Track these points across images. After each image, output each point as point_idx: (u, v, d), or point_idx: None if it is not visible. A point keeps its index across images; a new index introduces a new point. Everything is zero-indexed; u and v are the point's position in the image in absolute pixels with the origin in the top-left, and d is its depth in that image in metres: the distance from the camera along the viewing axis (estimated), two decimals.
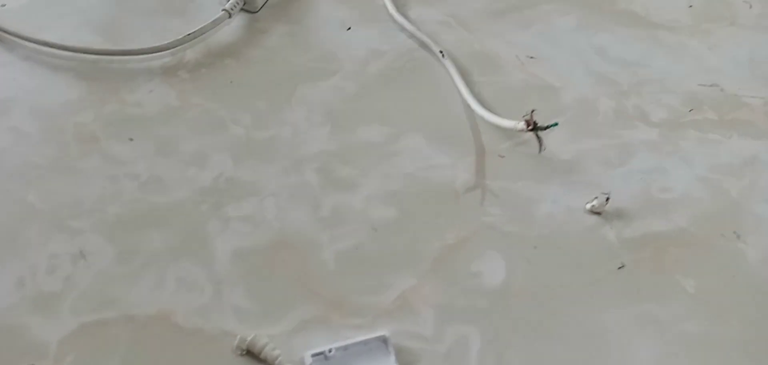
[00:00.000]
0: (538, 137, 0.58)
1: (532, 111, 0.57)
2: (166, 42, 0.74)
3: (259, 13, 0.80)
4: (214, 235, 0.58)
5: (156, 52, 0.74)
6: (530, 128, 0.57)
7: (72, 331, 0.52)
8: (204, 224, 0.59)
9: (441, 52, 0.74)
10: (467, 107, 0.69)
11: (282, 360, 0.50)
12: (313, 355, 0.50)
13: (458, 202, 0.62)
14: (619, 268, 0.57)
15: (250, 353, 0.51)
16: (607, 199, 0.60)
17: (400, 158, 0.65)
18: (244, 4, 0.79)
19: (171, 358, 0.51)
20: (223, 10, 0.77)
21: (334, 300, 0.54)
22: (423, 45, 0.76)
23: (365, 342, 0.51)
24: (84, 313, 0.53)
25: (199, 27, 0.75)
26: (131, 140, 0.66)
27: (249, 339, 0.51)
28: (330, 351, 0.51)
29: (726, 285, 0.56)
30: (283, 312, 0.54)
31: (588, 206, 0.61)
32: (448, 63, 0.73)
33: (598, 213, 0.60)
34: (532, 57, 0.75)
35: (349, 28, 0.78)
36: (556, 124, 0.57)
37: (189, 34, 0.74)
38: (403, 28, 0.78)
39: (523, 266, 0.57)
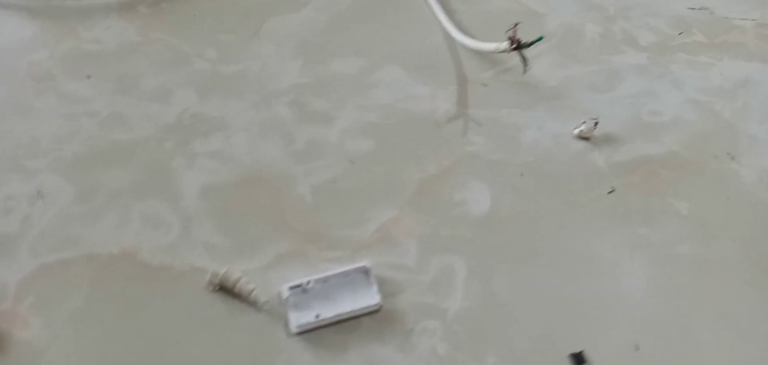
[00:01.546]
0: (523, 56, 0.57)
1: (516, 25, 0.56)
2: None
3: None
4: (180, 171, 0.57)
5: None
6: (514, 46, 0.56)
7: (31, 272, 0.51)
8: (169, 161, 0.57)
9: None
10: (447, 35, 0.68)
11: (257, 294, 0.49)
12: (291, 287, 0.49)
13: (440, 132, 0.61)
14: (609, 192, 0.56)
15: (223, 288, 0.50)
16: (596, 123, 0.59)
17: (377, 90, 0.64)
18: None
19: (138, 295, 0.49)
20: None
21: (311, 233, 0.53)
22: None
23: (345, 273, 0.50)
24: (43, 253, 0.52)
25: None
26: (89, 77, 0.64)
27: (221, 273, 0.49)
28: (308, 283, 0.50)
29: (720, 206, 0.56)
30: (258, 247, 0.52)
31: (576, 131, 0.60)
32: None
33: (587, 138, 0.60)
34: None
35: None
36: (541, 38, 0.55)
37: None
38: None
39: (509, 194, 0.56)
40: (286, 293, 0.49)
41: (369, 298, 0.49)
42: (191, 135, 0.60)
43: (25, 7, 0.71)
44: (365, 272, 0.50)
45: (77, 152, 0.58)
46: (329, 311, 0.49)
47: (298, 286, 0.49)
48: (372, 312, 0.49)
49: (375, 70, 0.66)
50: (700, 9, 0.72)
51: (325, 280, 0.50)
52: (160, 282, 0.50)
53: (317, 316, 0.48)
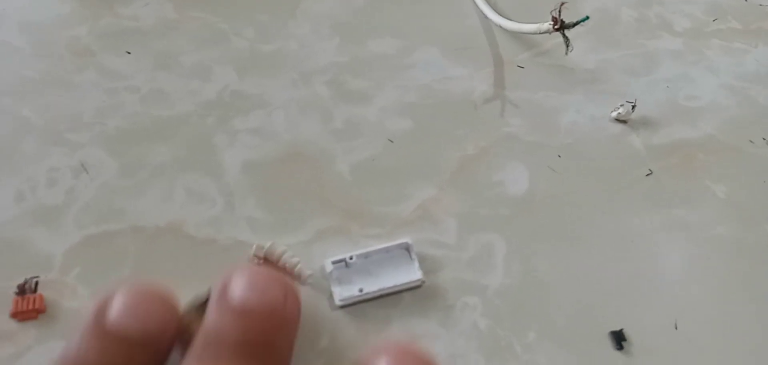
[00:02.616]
0: (566, 37, 0.58)
1: (562, 3, 0.56)
2: None
3: None
4: (222, 148, 0.58)
5: None
6: (557, 26, 0.57)
7: (77, 243, 0.52)
8: (211, 137, 0.59)
9: None
10: (483, 17, 0.69)
11: (301, 267, 0.50)
12: (334, 262, 0.51)
13: (477, 113, 0.62)
14: (647, 175, 0.57)
15: (267, 262, 0.51)
16: (633, 107, 0.60)
17: (414, 71, 0.65)
18: None
19: (184, 267, 0.51)
20: None
21: (352, 210, 0.55)
22: None
23: (387, 249, 0.51)
24: (89, 225, 0.53)
25: None
26: (129, 53, 0.65)
27: (266, 247, 0.51)
28: (351, 258, 0.51)
29: (757, 190, 0.57)
30: (299, 223, 0.54)
31: (613, 114, 0.61)
32: None
33: (624, 121, 0.61)
34: None
35: None
36: (586, 18, 0.56)
37: None
38: None
39: (546, 175, 0.57)
40: (329, 267, 0.50)
41: (411, 274, 0.50)
42: (232, 112, 0.61)
43: None
44: (407, 248, 0.52)
45: (119, 126, 0.59)
46: (372, 285, 0.50)
47: (341, 261, 0.51)
48: (414, 288, 0.50)
49: (412, 52, 0.67)
50: None
51: (366, 256, 0.51)
52: (205, 256, 0.51)
53: (361, 290, 0.50)
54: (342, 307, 0.49)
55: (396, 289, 0.50)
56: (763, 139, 0.60)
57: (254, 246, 0.51)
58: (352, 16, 0.70)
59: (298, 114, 0.61)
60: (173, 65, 0.64)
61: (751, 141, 0.60)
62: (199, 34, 0.67)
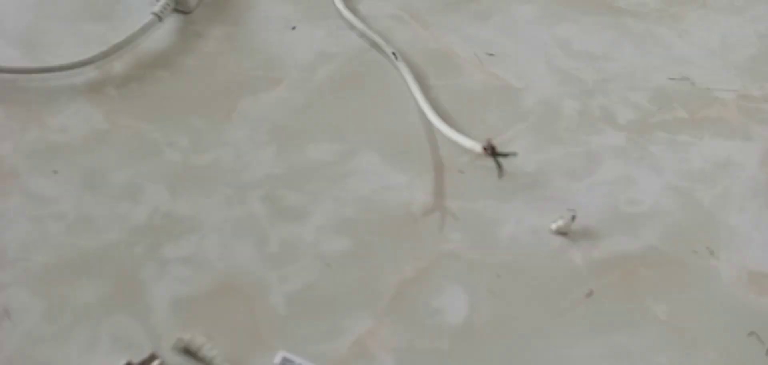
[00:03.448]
0: (498, 163, 0.57)
1: (488, 139, 0.56)
2: (90, 55, 0.70)
3: (193, 13, 0.77)
4: (150, 282, 0.56)
5: (80, 66, 0.71)
6: (489, 153, 0.56)
7: None
8: (138, 270, 0.57)
9: (393, 53, 0.72)
10: (424, 116, 0.68)
11: (219, 360, 0.51)
12: (284, 359, 0.51)
13: (416, 227, 0.61)
14: (587, 295, 0.57)
15: (188, 351, 0.52)
16: (573, 217, 0.59)
17: (353, 180, 0.64)
18: (177, 4, 0.76)
19: None
20: (153, 13, 0.73)
21: (286, 350, 0.53)
22: (375, 45, 0.74)
23: None
24: None
25: (127, 35, 0.72)
26: (55, 172, 0.63)
27: (186, 338, 0.51)
28: None
29: (699, 310, 0.56)
30: None
31: (553, 226, 0.60)
32: (401, 66, 0.71)
33: (564, 234, 0.60)
34: (491, 54, 0.74)
35: (294, 28, 0.76)
36: (515, 154, 0.56)
37: (115, 45, 0.71)
38: (352, 26, 0.76)
39: (486, 299, 0.56)
40: (278, 360, 0.51)
41: None
42: (162, 238, 0.59)
43: None
44: None
45: (45, 262, 0.57)
46: None
47: (292, 363, 0.51)
48: None
49: (351, 157, 0.65)
50: (681, 79, 0.72)
51: None
52: None
53: None
54: None
55: None
56: (707, 248, 0.59)
57: (175, 339, 0.51)
58: (290, 117, 0.68)
59: (232, 237, 0.60)
60: (102, 185, 0.62)
61: (694, 251, 0.59)
62: (130, 146, 0.65)
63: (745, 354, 0.53)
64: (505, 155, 0.55)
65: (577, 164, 0.65)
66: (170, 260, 0.58)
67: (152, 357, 0.52)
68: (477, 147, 0.57)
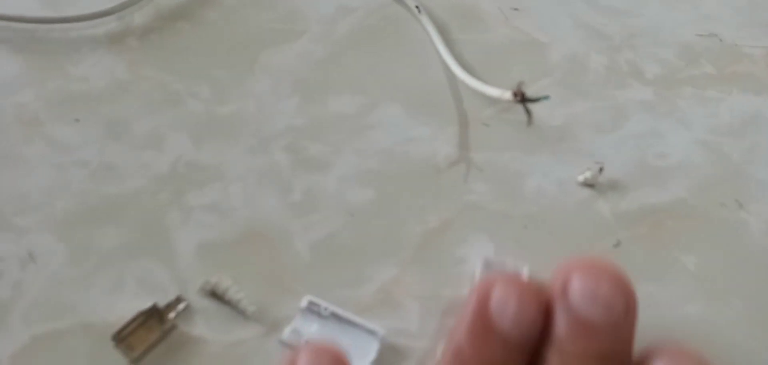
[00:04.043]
0: (527, 110, 0.57)
1: (520, 83, 0.55)
2: (110, 5, 0.70)
3: None
4: (175, 228, 0.57)
5: (100, 16, 0.71)
6: (519, 99, 0.55)
7: (24, 344, 0.51)
8: (163, 217, 0.57)
9: (417, 6, 0.72)
10: (447, 69, 0.68)
11: (245, 303, 0.52)
12: (311, 302, 0.51)
13: (440, 179, 0.61)
14: (615, 246, 0.57)
15: (214, 294, 0.52)
16: (601, 169, 0.59)
17: (375, 132, 0.64)
18: None
19: None
20: None
21: (311, 295, 0.53)
22: None
23: (357, 326, 0.51)
24: (37, 323, 0.52)
25: None
26: (77, 120, 0.63)
27: (213, 281, 0.52)
28: (326, 309, 0.51)
29: (728, 261, 0.56)
30: (256, 313, 0.52)
31: (580, 178, 0.60)
32: (424, 19, 0.71)
33: (591, 186, 0.60)
34: (516, 9, 0.73)
35: None
36: (547, 97, 0.55)
37: None
38: None
39: (512, 250, 0.56)
40: (305, 302, 0.52)
41: (357, 362, 0.49)
42: (186, 186, 0.59)
43: (8, 40, 0.70)
44: (375, 337, 0.51)
45: (68, 207, 0.58)
46: None
47: (317, 305, 0.52)
48: None
49: (373, 109, 0.65)
50: (708, 35, 0.71)
51: (339, 319, 0.51)
52: (157, 354, 0.50)
53: (306, 342, 0.50)
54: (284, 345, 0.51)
55: None
56: (736, 201, 0.59)
57: (202, 281, 0.52)
58: (312, 69, 0.68)
59: (255, 186, 0.60)
60: (124, 134, 0.63)
61: (722, 204, 0.59)
62: (152, 97, 0.65)
63: None
64: (535, 100, 0.55)
65: (604, 118, 0.65)
66: (194, 208, 0.58)
67: (178, 300, 0.52)
68: (506, 94, 0.57)
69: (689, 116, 0.65)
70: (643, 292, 0.53)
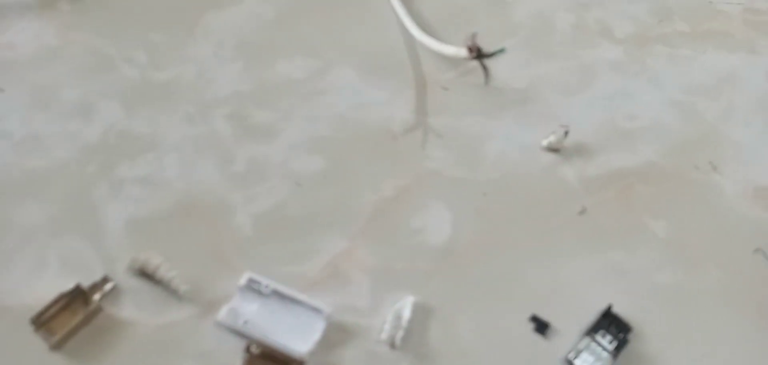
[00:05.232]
0: (484, 66, 0.53)
1: (474, 35, 0.52)
2: None
3: None
4: (103, 203, 0.53)
5: None
6: (474, 55, 0.52)
7: None
8: (90, 191, 0.53)
9: None
10: (405, 30, 0.64)
11: (177, 281, 0.48)
12: (251, 280, 0.48)
13: (396, 145, 0.57)
14: (581, 213, 0.54)
15: (143, 273, 0.49)
16: (566, 133, 0.56)
17: (327, 97, 0.60)
18: None
19: (54, 361, 0.46)
20: None
21: (253, 271, 0.50)
22: None
23: (302, 304, 0.48)
24: None
25: None
26: (2, 90, 0.59)
27: (142, 258, 0.48)
28: (267, 287, 0.48)
29: (702, 226, 0.53)
30: (191, 294, 0.49)
31: (544, 142, 0.57)
32: None
33: (556, 150, 0.57)
34: None
35: None
36: (503, 49, 0.52)
37: None
38: None
39: (471, 218, 0.53)
40: (244, 280, 0.48)
41: (301, 344, 0.46)
42: (117, 157, 0.55)
43: None
44: (318, 313, 0.47)
45: None
46: (258, 327, 0.47)
47: (257, 283, 0.48)
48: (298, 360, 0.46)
49: (325, 73, 0.62)
50: None
51: (281, 296, 0.48)
52: (81, 339, 0.47)
53: (245, 322, 0.47)
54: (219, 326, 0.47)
55: (278, 347, 0.46)
56: (709, 163, 0.56)
57: (130, 259, 0.48)
58: (259, 32, 0.65)
59: (193, 156, 0.56)
60: (52, 102, 0.59)
61: (696, 167, 0.56)
62: (82, 63, 0.61)
63: (751, 270, 0.51)
64: (491, 55, 0.52)
65: (570, 79, 0.62)
66: (125, 180, 0.54)
67: (105, 280, 0.48)
68: (461, 51, 0.53)
69: (661, 76, 0.62)
70: (611, 260, 0.51)
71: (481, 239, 0.52)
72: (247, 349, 0.46)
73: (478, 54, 0.52)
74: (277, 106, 0.59)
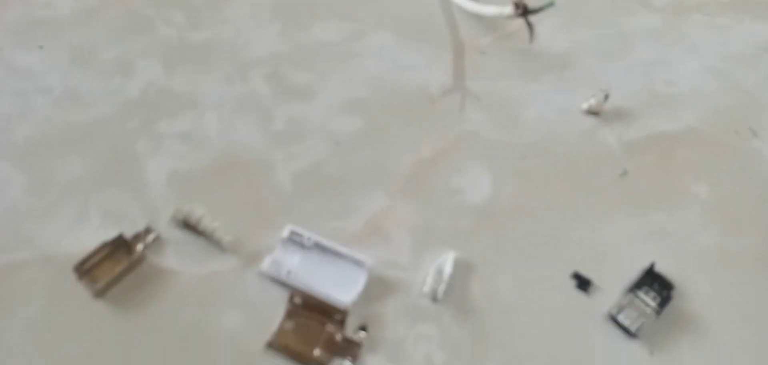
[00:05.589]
0: (529, 24, 0.53)
1: None
2: None
3: None
4: (144, 157, 0.53)
5: None
6: (520, 12, 0.52)
7: None
8: (132, 145, 0.54)
9: None
10: None
11: (220, 233, 0.48)
12: (293, 232, 0.48)
13: (434, 108, 0.58)
14: (622, 175, 0.54)
15: (186, 225, 0.49)
16: (606, 96, 0.56)
17: (364, 60, 0.60)
18: None
19: (99, 303, 0.46)
20: None
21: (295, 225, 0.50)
22: None
23: (343, 256, 0.48)
24: None
25: None
26: (41, 47, 0.60)
27: (185, 209, 0.49)
28: (309, 239, 0.48)
29: (742, 190, 0.53)
30: (234, 246, 0.49)
31: (584, 105, 0.57)
32: None
33: (596, 113, 0.57)
34: None
35: None
36: (552, 3, 0.52)
37: None
38: None
39: (511, 179, 0.53)
40: (286, 233, 0.49)
41: (344, 294, 0.46)
42: (157, 114, 0.56)
43: None
44: (362, 267, 0.47)
45: (29, 135, 0.54)
46: (302, 278, 0.47)
47: (300, 235, 0.49)
48: (340, 308, 0.46)
49: (362, 37, 0.62)
50: None
51: (323, 249, 0.49)
52: (124, 287, 0.47)
53: (288, 273, 0.47)
54: (265, 276, 0.47)
55: (321, 297, 0.46)
56: (749, 129, 0.56)
57: (173, 209, 0.49)
58: None
59: (232, 115, 0.56)
60: (91, 60, 0.59)
61: (736, 132, 0.56)
62: (121, 23, 0.62)
63: None
64: (537, 11, 0.52)
65: (609, 45, 0.62)
66: (166, 136, 0.55)
67: (148, 231, 0.49)
68: (505, 10, 0.53)
69: (699, 44, 0.62)
70: (653, 222, 0.51)
71: (521, 200, 0.52)
72: (291, 299, 0.46)
73: (525, 10, 0.52)
74: (314, 67, 0.59)
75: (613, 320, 0.46)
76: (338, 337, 0.45)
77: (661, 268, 0.48)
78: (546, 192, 0.53)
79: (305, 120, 0.56)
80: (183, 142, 0.54)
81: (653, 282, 0.47)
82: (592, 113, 0.56)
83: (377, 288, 0.47)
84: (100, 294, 0.47)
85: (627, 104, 0.57)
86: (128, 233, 0.49)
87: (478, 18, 0.62)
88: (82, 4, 0.63)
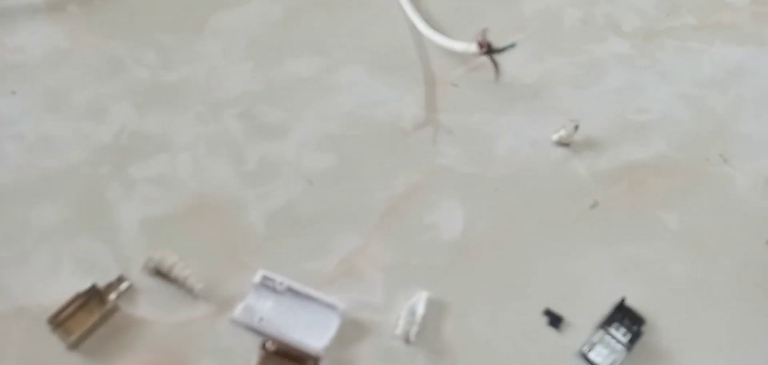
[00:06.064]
0: (494, 61, 0.54)
1: (484, 30, 0.52)
2: None
3: None
4: (116, 203, 0.53)
5: None
6: (484, 51, 0.53)
7: None
8: (104, 191, 0.54)
9: None
10: (413, 28, 0.65)
11: (192, 280, 0.48)
12: (265, 277, 0.48)
13: (407, 142, 0.58)
14: (592, 207, 0.54)
15: (158, 272, 0.49)
16: (576, 127, 0.57)
17: (337, 94, 0.61)
18: None
19: (71, 361, 0.46)
20: None
21: (267, 269, 0.50)
22: None
23: (316, 301, 0.48)
24: None
25: None
26: (14, 93, 0.60)
27: (157, 258, 0.49)
28: (281, 284, 0.48)
29: (714, 219, 0.54)
30: (207, 292, 0.49)
31: (555, 137, 0.57)
32: None
33: (567, 144, 0.57)
34: None
35: None
36: (513, 45, 0.52)
37: None
38: None
39: (483, 214, 0.54)
40: (258, 278, 0.49)
41: (317, 340, 0.46)
42: (129, 157, 0.56)
43: None
44: (333, 309, 0.48)
45: (2, 183, 0.54)
46: (274, 326, 0.47)
47: (273, 280, 0.49)
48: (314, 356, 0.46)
49: (335, 71, 0.62)
50: None
51: (295, 293, 0.49)
52: (98, 338, 0.47)
53: (260, 320, 0.48)
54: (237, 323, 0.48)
55: (293, 344, 0.46)
56: (720, 155, 0.57)
57: (145, 258, 0.49)
58: (267, 31, 0.65)
59: (205, 156, 0.56)
60: (63, 105, 0.59)
61: (706, 159, 0.57)
62: (93, 65, 0.62)
63: (763, 262, 0.51)
64: (502, 50, 0.52)
65: (579, 74, 0.62)
66: (138, 181, 0.55)
67: (120, 280, 0.49)
68: (471, 47, 0.54)
69: (670, 69, 0.63)
70: (624, 254, 0.51)
71: (494, 234, 0.53)
72: (263, 346, 0.46)
73: (489, 49, 0.52)
74: (287, 104, 0.60)
75: (585, 358, 0.46)
76: None
77: (632, 301, 0.49)
78: (518, 227, 0.53)
79: (279, 159, 0.56)
80: (155, 186, 0.54)
81: (624, 317, 0.47)
82: (563, 144, 0.57)
83: (350, 330, 0.48)
84: (74, 345, 0.47)
85: (598, 133, 0.58)
86: (101, 282, 0.49)
87: (449, 50, 0.62)
88: (54, 47, 0.63)
